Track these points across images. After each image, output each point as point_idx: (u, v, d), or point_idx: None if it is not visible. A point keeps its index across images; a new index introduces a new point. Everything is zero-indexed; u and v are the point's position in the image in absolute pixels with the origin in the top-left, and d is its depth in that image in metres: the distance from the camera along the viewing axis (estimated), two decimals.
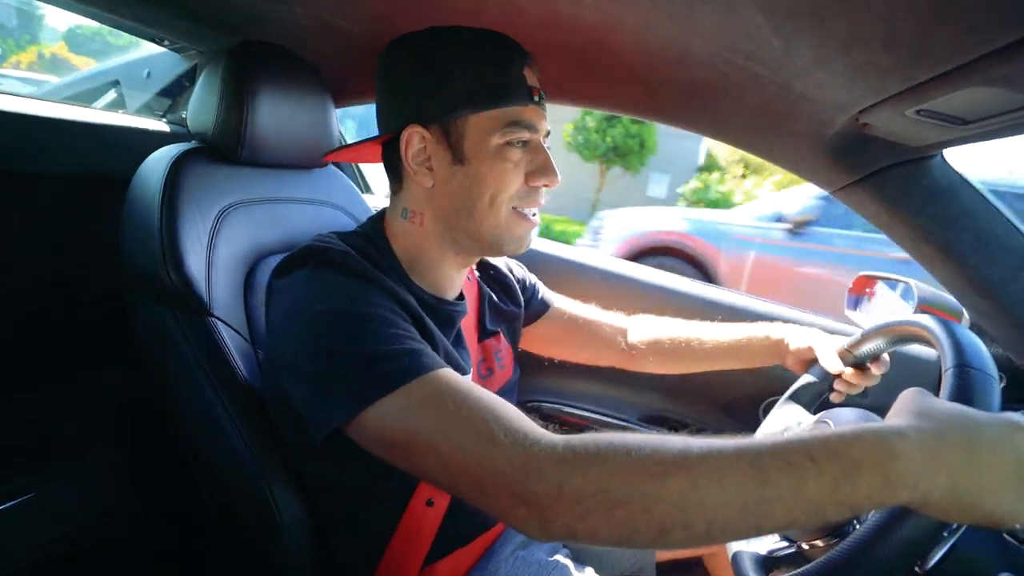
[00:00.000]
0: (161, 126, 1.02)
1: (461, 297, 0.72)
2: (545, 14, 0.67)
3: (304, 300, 0.55)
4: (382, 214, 0.70)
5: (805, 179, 0.85)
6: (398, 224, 0.67)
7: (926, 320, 0.62)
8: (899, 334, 0.69)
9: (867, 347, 0.74)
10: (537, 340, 0.91)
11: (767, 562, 0.62)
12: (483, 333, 0.78)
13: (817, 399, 0.79)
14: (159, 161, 0.75)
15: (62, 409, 0.90)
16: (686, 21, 0.60)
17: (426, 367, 0.50)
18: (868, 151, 0.71)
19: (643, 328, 0.94)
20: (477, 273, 0.82)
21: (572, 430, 1.20)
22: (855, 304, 1.15)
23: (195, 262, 0.69)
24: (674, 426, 1.21)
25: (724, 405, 1.21)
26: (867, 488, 0.40)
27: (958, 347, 0.52)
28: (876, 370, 0.75)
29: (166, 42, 1.02)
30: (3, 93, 0.85)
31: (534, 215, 0.65)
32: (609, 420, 1.21)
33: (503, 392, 0.77)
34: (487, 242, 0.64)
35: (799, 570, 0.49)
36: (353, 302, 0.53)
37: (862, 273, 1.14)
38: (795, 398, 0.79)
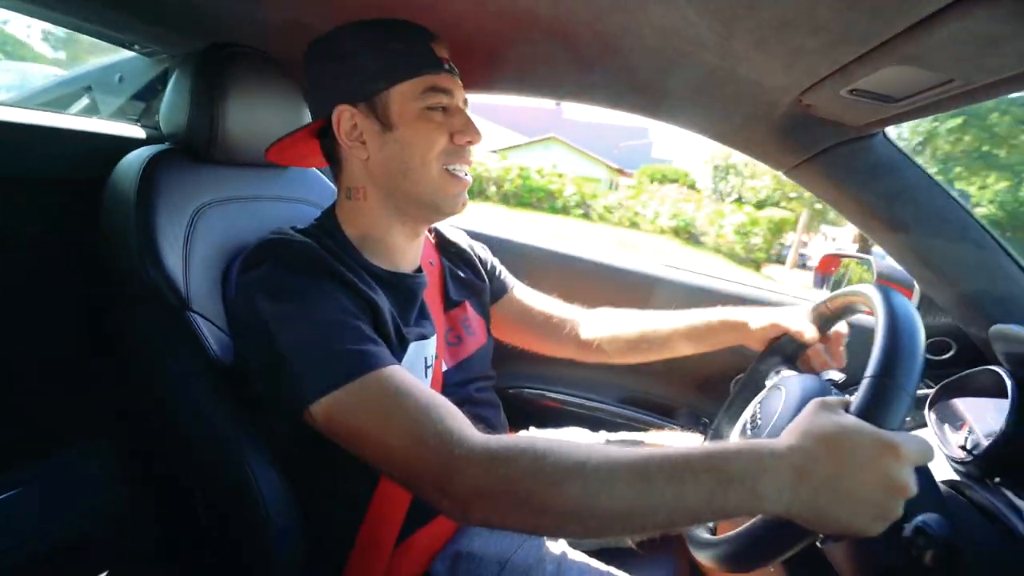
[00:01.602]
0: (135, 130, 1.03)
1: (420, 271, 0.76)
2: (503, 9, 0.70)
3: (261, 299, 0.59)
4: (333, 205, 0.75)
5: (758, 160, 0.89)
6: (345, 207, 0.72)
7: (874, 295, 0.60)
8: (849, 304, 0.72)
9: (829, 316, 0.75)
10: (497, 325, 0.93)
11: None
12: (448, 303, 0.82)
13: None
14: (133, 163, 0.76)
15: (48, 404, 0.92)
16: (636, 11, 0.63)
17: (367, 367, 0.55)
18: (813, 131, 0.75)
19: (601, 321, 0.95)
20: (440, 252, 0.87)
21: (550, 415, 1.26)
22: (821, 282, 1.20)
23: (172, 259, 0.71)
24: (652, 407, 1.25)
25: (699, 383, 1.25)
26: (737, 499, 0.45)
27: (889, 352, 0.51)
28: (838, 340, 0.77)
29: (136, 47, 1.03)
30: None
31: (465, 175, 0.71)
32: (588, 403, 1.25)
33: (477, 357, 0.82)
34: (425, 202, 0.70)
35: (722, 536, 0.54)
36: (304, 303, 0.58)
37: (827, 252, 1.19)
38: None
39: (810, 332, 0.76)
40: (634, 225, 12.72)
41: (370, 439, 0.54)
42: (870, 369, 0.51)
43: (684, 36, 0.65)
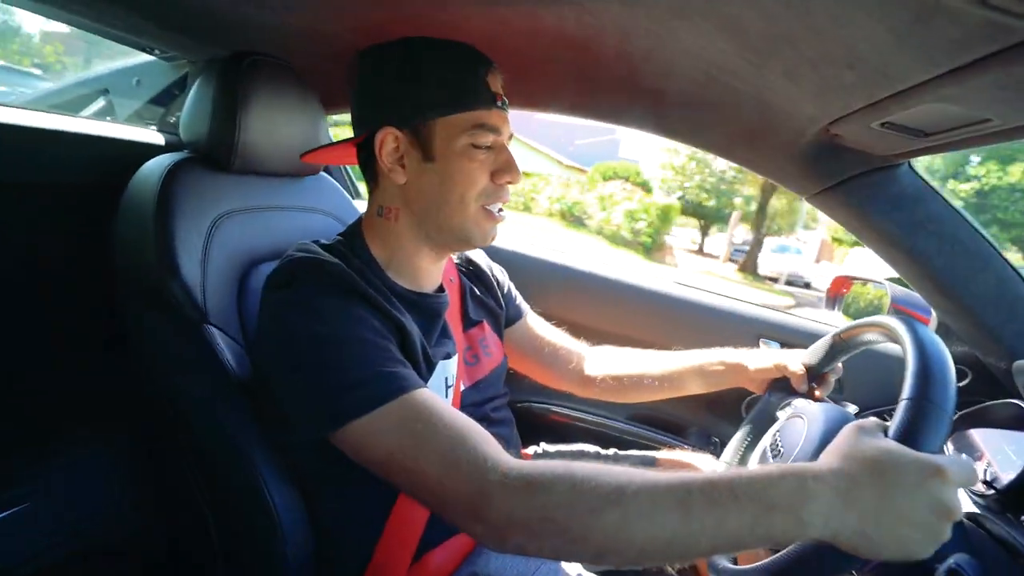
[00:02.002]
0: (154, 136, 1.02)
1: (442, 289, 0.76)
2: (529, 26, 0.70)
3: (290, 319, 0.59)
4: (360, 219, 0.74)
5: (781, 185, 0.89)
6: (375, 223, 0.71)
7: (898, 325, 0.60)
8: (865, 333, 0.71)
9: (843, 345, 0.75)
10: (505, 350, 0.92)
11: None
12: (467, 323, 0.82)
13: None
14: (153, 171, 0.76)
15: (58, 412, 0.91)
16: (665, 36, 0.63)
17: (399, 390, 0.55)
18: (839, 160, 0.75)
19: (605, 359, 0.95)
20: (459, 270, 0.86)
21: (559, 430, 1.25)
22: (832, 304, 1.19)
23: (191, 271, 0.70)
24: (661, 424, 1.24)
25: (709, 401, 1.24)
26: (782, 526, 0.44)
27: (923, 374, 0.51)
28: (831, 378, 0.77)
29: (156, 52, 1.02)
30: None
31: (500, 211, 0.70)
32: (596, 419, 1.24)
33: (493, 376, 0.82)
34: (456, 235, 0.69)
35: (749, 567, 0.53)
36: (334, 325, 0.57)
37: (839, 274, 1.19)
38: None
39: (804, 380, 0.77)
40: (527, 209, 13.60)
41: (401, 463, 0.53)
42: (906, 392, 0.50)
43: (713, 63, 0.64)
